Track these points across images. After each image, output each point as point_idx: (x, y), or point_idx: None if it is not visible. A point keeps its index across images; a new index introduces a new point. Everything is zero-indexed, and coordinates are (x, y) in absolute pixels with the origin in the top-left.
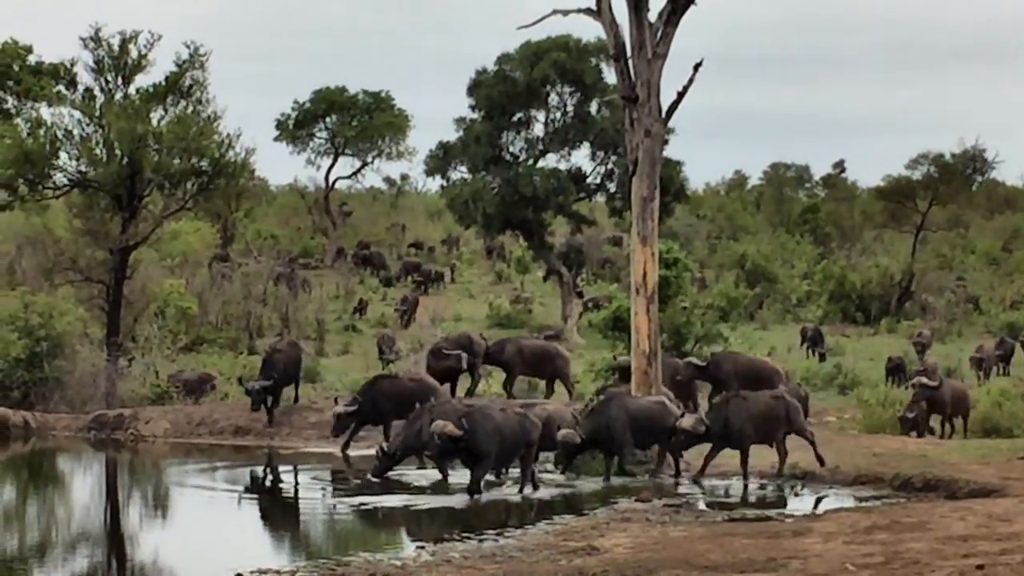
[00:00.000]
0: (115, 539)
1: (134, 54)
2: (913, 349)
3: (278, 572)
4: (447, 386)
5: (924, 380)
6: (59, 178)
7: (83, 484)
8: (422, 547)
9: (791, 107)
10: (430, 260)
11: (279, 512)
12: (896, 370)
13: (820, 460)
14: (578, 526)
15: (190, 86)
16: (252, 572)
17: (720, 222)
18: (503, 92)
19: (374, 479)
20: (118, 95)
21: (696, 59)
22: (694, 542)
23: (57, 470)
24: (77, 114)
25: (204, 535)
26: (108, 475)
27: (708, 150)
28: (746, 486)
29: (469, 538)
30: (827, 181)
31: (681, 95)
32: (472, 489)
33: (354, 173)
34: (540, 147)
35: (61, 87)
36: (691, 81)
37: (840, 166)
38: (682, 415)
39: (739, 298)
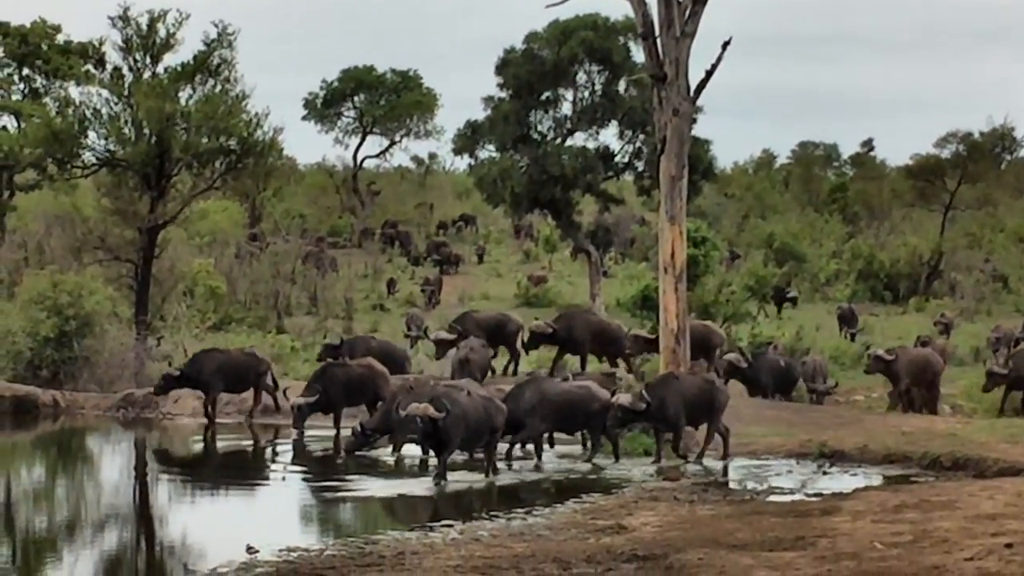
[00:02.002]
0: (142, 517)
1: (162, 33)
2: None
3: (307, 550)
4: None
5: (878, 352)
6: (88, 157)
7: (111, 463)
8: (450, 525)
9: (819, 86)
10: (458, 240)
11: (305, 492)
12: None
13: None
14: (606, 505)
15: (218, 65)
16: (281, 550)
17: (748, 201)
18: (531, 71)
19: (346, 454)
20: (146, 74)
21: (724, 37)
22: (722, 521)
23: (86, 449)
24: (105, 93)
25: (230, 514)
26: (136, 454)
27: (736, 129)
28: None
29: (497, 516)
30: (855, 160)
31: (709, 74)
32: (440, 476)
33: (382, 152)
34: (568, 126)
35: (90, 66)
36: (719, 59)
37: (868, 145)
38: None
39: (767, 277)
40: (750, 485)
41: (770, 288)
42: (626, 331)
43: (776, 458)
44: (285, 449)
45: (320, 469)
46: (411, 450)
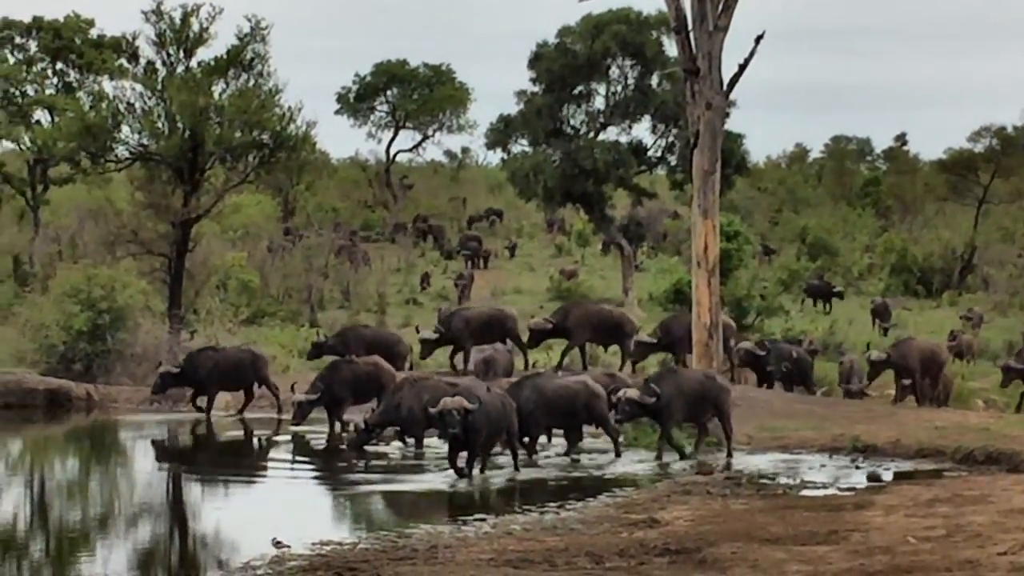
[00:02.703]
0: (173, 511)
1: (196, 27)
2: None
3: (339, 544)
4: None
5: (874, 355)
6: (121, 151)
7: (144, 456)
8: (483, 519)
9: (852, 79)
10: (490, 234)
11: (340, 485)
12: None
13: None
14: (639, 499)
15: (252, 59)
16: (313, 544)
17: (781, 195)
18: (564, 65)
19: (351, 451)
20: (180, 68)
21: (757, 31)
22: (755, 515)
23: (118, 442)
24: (139, 87)
25: (263, 508)
26: (169, 447)
27: (769, 123)
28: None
29: (530, 510)
30: (889, 154)
31: (742, 67)
32: (463, 472)
33: (415, 146)
34: (601, 120)
35: (123, 60)
36: (752, 53)
37: (902, 139)
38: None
39: (800, 271)
40: (783, 479)
41: (812, 282)
42: (628, 318)
43: (809, 452)
44: (318, 443)
45: (335, 464)
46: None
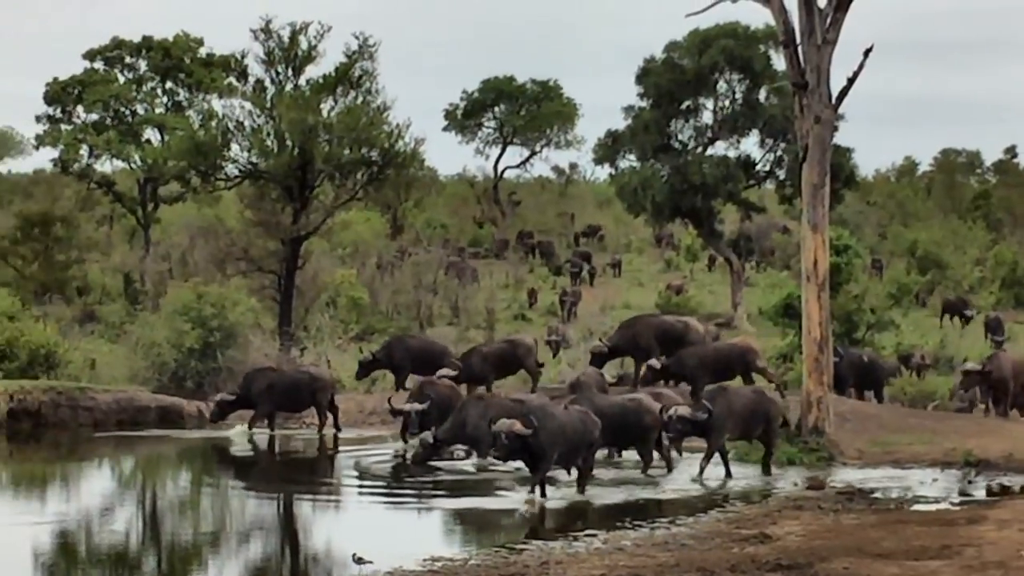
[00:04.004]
0: (282, 526)
1: (304, 45)
2: None
3: (451, 560)
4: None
5: (968, 366)
6: (231, 169)
7: (254, 473)
8: (594, 535)
9: (962, 92)
10: (599, 249)
11: (444, 501)
12: None
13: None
14: (750, 514)
15: (360, 77)
16: (425, 560)
17: (890, 209)
18: (672, 80)
19: (416, 466)
20: (289, 86)
21: (866, 44)
22: (867, 530)
23: (230, 459)
24: (248, 105)
25: (372, 524)
26: (279, 464)
27: (878, 136)
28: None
29: (641, 526)
30: (999, 167)
31: (851, 81)
32: (533, 490)
33: (523, 162)
34: (709, 135)
35: (232, 79)
36: (861, 67)
37: (1012, 152)
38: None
39: (910, 285)
40: (895, 494)
41: (949, 299)
42: (692, 328)
43: (920, 466)
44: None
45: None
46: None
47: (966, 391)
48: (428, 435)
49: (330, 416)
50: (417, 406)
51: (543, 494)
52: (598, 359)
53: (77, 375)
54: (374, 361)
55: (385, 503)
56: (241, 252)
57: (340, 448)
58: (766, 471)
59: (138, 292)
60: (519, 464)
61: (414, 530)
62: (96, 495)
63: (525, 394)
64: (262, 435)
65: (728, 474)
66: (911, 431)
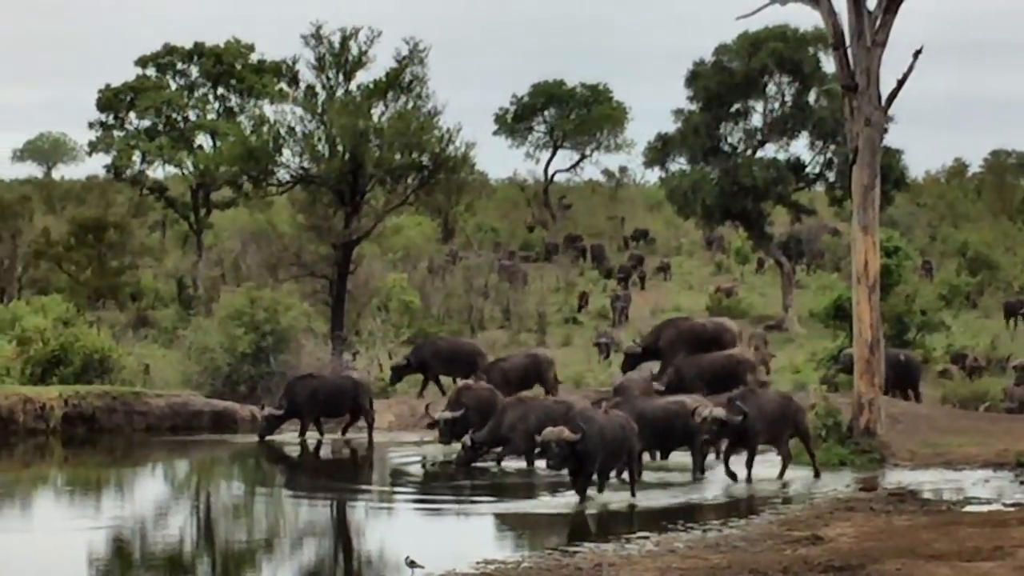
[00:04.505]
0: (335, 530)
1: (355, 50)
2: None
3: (504, 563)
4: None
5: (1020, 361)
6: (282, 174)
7: (306, 477)
8: (646, 537)
9: (1012, 93)
10: (649, 252)
11: (492, 504)
12: None
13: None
14: (802, 516)
15: (410, 81)
16: (478, 563)
17: (941, 210)
18: (721, 83)
19: (459, 468)
20: (339, 91)
21: (915, 46)
22: (919, 531)
23: (282, 463)
24: (299, 111)
25: (423, 527)
26: (331, 467)
27: (928, 138)
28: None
29: (692, 528)
30: None
31: (901, 83)
32: (579, 495)
33: (573, 166)
34: (759, 137)
35: (283, 84)
36: (911, 68)
37: None
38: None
39: (960, 286)
40: (947, 495)
41: (1010, 301)
42: (726, 330)
43: (973, 468)
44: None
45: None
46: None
47: (1018, 385)
48: (468, 438)
49: (350, 420)
50: (447, 415)
51: (582, 500)
52: (630, 360)
53: (131, 380)
54: (407, 365)
55: (433, 506)
56: (293, 257)
57: (389, 451)
58: (816, 475)
59: (191, 297)
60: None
61: (461, 533)
62: (150, 500)
63: (567, 396)
64: (314, 439)
65: (748, 479)
66: (963, 432)
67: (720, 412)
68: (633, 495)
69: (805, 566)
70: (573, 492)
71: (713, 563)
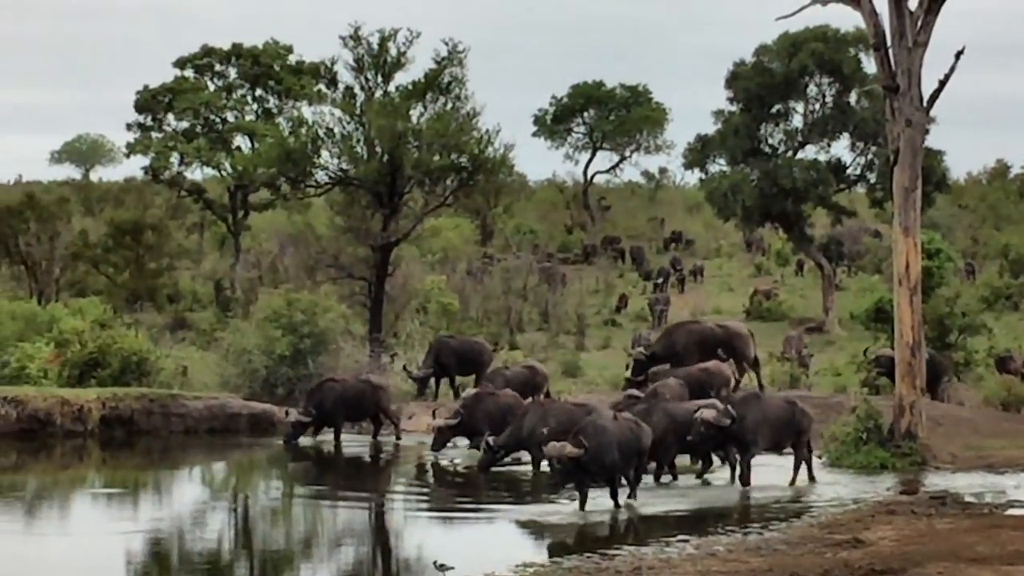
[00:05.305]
0: (373, 533)
1: (393, 52)
2: None
3: (542, 566)
4: None
5: None
6: (320, 176)
7: (341, 478)
8: (686, 540)
9: None
10: (688, 254)
11: (525, 506)
12: None
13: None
14: (843, 519)
15: (449, 83)
16: (517, 565)
17: (982, 212)
18: (761, 84)
19: (480, 471)
20: (378, 93)
21: (957, 47)
22: (960, 534)
23: (318, 465)
24: (338, 112)
25: (459, 530)
26: (368, 469)
27: (969, 139)
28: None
29: (733, 531)
30: None
31: (943, 83)
32: (581, 503)
33: (612, 167)
34: (799, 138)
35: (321, 86)
36: (952, 69)
37: None
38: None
39: (1003, 288)
40: (988, 498)
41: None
42: (737, 332)
43: (1015, 471)
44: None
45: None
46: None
47: None
48: (488, 441)
49: (373, 425)
50: (440, 422)
51: (582, 506)
52: (639, 367)
53: (169, 382)
54: (430, 373)
55: (465, 509)
56: (331, 259)
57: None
58: (792, 483)
59: (229, 299)
60: None
61: (493, 536)
62: (188, 502)
63: (587, 399)
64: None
65: (744, 482)
66: (1005, 435)
67: (710, 415)
68: (632, 497)
69: (846, 570)
70: (607, 496)
71: (753, 566)
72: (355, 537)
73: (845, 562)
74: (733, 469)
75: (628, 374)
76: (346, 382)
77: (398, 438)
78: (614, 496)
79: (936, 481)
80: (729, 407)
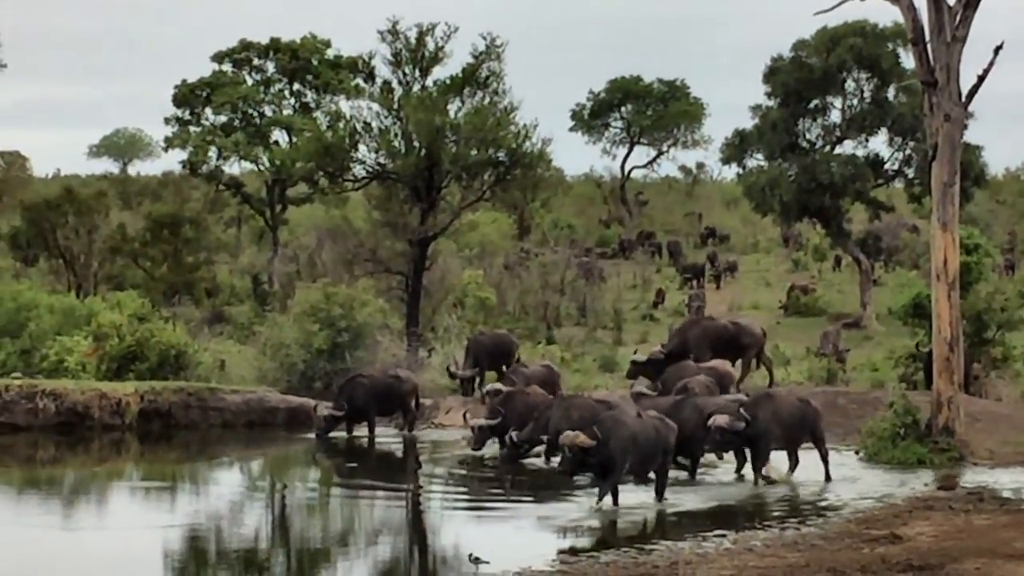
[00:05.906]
0: (410, 527)
1: (431, 46)
2: None
3: (579, 560)
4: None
5: None
6: (358, 170)
7: (379, 472)
8: (723, 535)
9: None
10: (726, 250)
11: (559, 501)
12: None
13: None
14: (880, 514)
15: (487, 77)
16: (553, 560)
17: (1021, 207)
18: (799, 79)
19: (504, 465)
20: (416, 87)
21: (996, 41)
22: (998, 530)
23: (356, 459)
24: (375, 107)
25: (497, 523)
26: (406, 464)
27: (1008, 134)
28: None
29: (770, 526)
30: None
31: (981, 79)
32: (601, 499)
33: (650, 162)
34: (837, 133)
35: (359, 80)
36: (991, 64)
37: None
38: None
39: None
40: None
41: None
42: (746, 330)
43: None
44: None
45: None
46: None
47: None
48: (512, 436)
49: (404, 418)
50: (480, 421)
51: (615, 502)
52: (654, 365)
53: (206, 376)
54: (474, 371)
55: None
56: (369, 253)
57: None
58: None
59: (266, 293)
60: None
61: (526, 531)
62: (226, 496)
63: (610, 396)
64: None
65: (756, 482)
66: None
67: (723, 420)
68: (659, 498)
69: (883, 565)
70: (638, 490)
71: (791, 562)
72: (390, 531)
73: (882, 558)
74: (754, 468)
75: (626, 374)
76: (374, 377)
77: (410, 430)
78: (614, 494)
79: (974, 477)
80: (741, 410)
